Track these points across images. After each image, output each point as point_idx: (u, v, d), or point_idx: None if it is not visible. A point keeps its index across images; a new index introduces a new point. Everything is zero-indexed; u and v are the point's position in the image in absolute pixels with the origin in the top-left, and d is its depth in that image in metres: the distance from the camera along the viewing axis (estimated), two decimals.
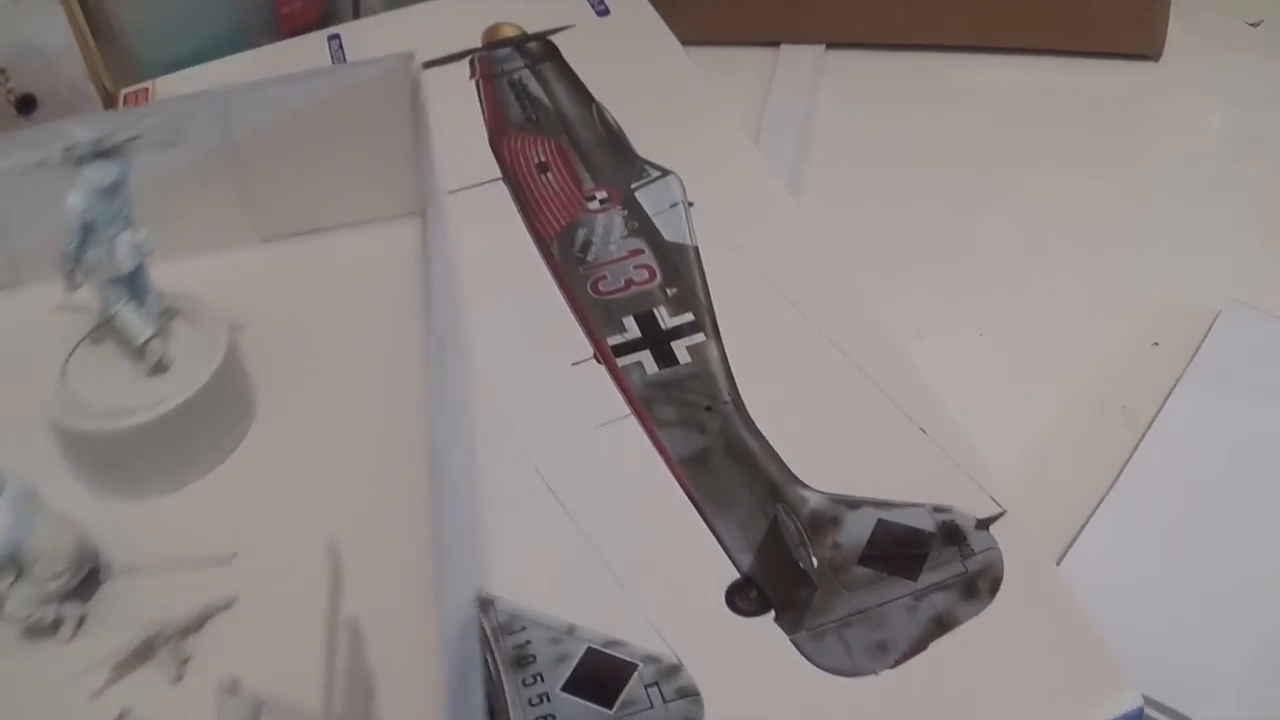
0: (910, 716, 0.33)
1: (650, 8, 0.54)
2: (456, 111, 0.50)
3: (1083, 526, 0.45)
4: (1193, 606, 0.43)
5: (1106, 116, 0.62)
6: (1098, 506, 0.46)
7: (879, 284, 0.52)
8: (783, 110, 0.60)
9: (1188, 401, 0.48)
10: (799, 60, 0.64)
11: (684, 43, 0.55)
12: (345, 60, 0.53)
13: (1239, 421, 0.47)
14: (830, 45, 0.66)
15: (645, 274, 0.44)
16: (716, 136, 0.48)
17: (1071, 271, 0.55)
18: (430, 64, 0.53)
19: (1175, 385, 0.49)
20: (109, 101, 0.56)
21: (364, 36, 0.55)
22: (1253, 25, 0.66)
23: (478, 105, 0.51)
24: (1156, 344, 0.52)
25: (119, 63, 0.57)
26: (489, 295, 0.44)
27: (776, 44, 0.65)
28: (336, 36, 0.55)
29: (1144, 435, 0.47)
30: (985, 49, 0.65)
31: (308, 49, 0.55)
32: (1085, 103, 0.63)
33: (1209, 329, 0.50)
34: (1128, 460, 0.47)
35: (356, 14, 0.61)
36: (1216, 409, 0.48)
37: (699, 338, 0.42)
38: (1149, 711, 0.41)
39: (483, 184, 0.47)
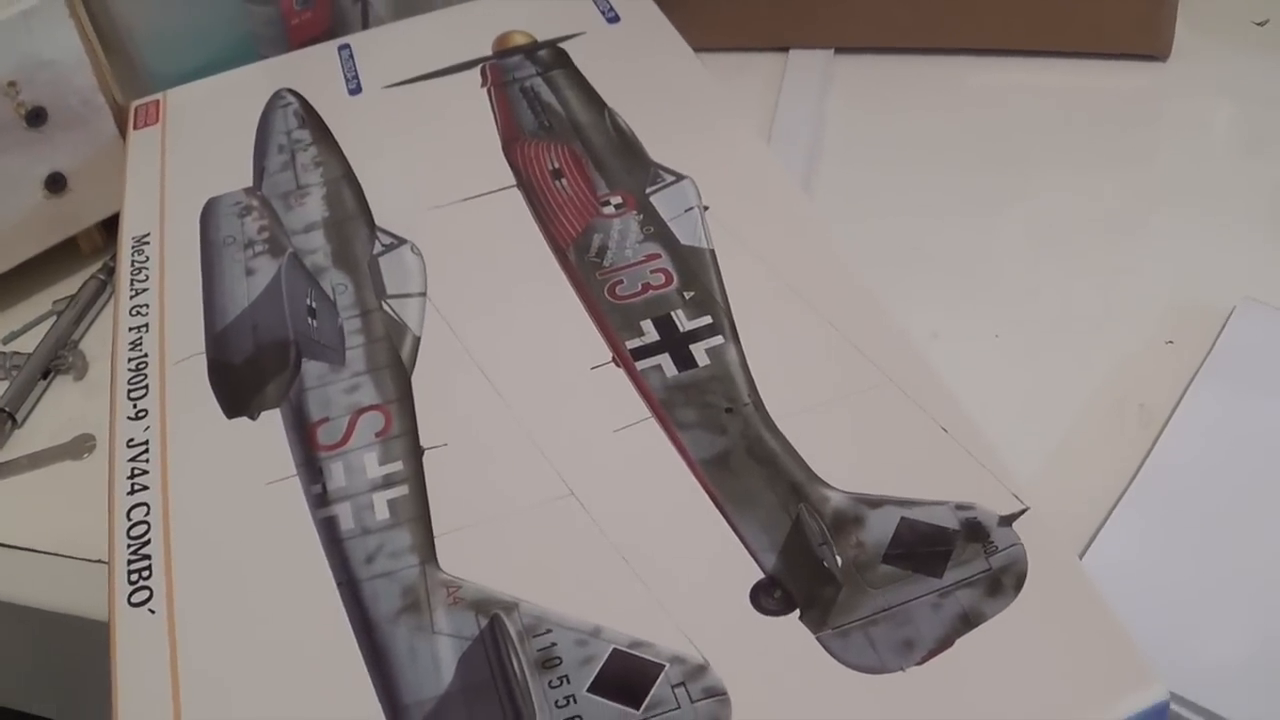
0: (936, 713, 0.33)
1: (660, 14, 0.54)
2: (469, 120, 0.50)
3: (1102, 524, 0.45)
4: (1214, 601, 0.43)
5: (1116, 117, 0.63)
6: (1116, 504, 0.46)
7: (893, 286, 0.52)
8: (793, 115, 0.60)
9: (1204, 397, 0.48)
10: (808, 65, 0.64)
11: (695, 49, 0.56)
12: (356, 71, 0.54)
13: (1255, 416, 0.47)
14: (839, 50, 0.66)
15: (662, 278, 0.44)
16: (730, 140, 0.48)
17: (1085, 271, 0.55)
18: (441, 73, 0.53)
19: (1191, 382, 0.49)
20: (119, 114, 0.56)
21: (374, 46, 0.55)
22: (1259, 25, 0.67)
23: (490, 113, 0.51)
24: (1171, 342, 0.52)
25: (129, 75, 0.57)
26: (506, 302, 0.44)
27: (785, 49, 0.66)
28: (347, 46, 0.55)
29: (1161, 432, 0.48)
30: (994, 51, 0.65)
31: (319, 60, 0.55)
32: (1094, 103, 0.63)
33: (1223, 325, 0.50)
34: (1145, 457, 0.47)
35: (366, 24, 0.61)
36: (1232, 404, 0.48)
37: (717, 340, 0.42)
38: (1174, 707, 0.41)
39: (497, 191, 0.47)
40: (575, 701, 0.33)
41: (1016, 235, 0.57)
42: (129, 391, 0.42)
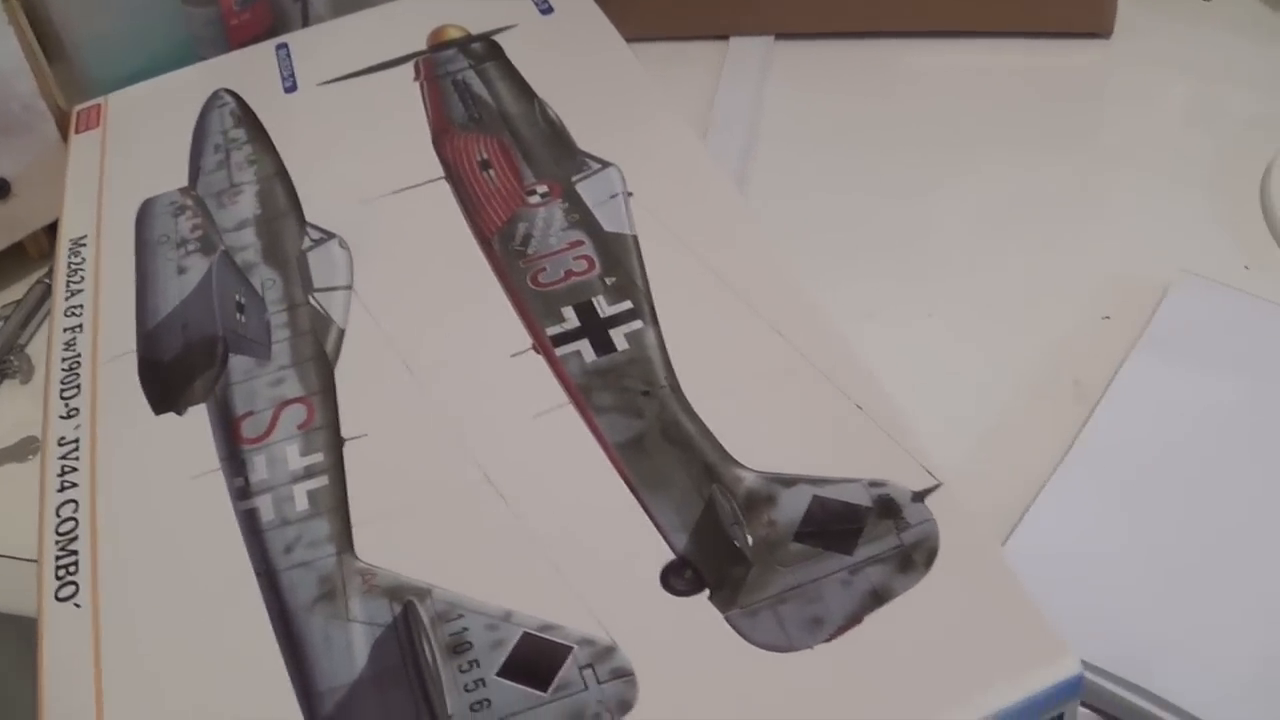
0: (845, 690, 0.33)
1: (594, 5, 0.55)
2: (401, 114, 0.51)
3: (1033, 500, 0.45)
4: (1145, 577, 0.43)
5: (1058, 96, 0.63)
6: (1048, 480, 0.46)
7: (830, 269, 0.52)
8: (732, 101, 0.60)
9: (1139, 372, 0.48)
10: (748, 52, 0.64)
11: (634, 39, 0.56)
12: (293, 69, 0.54)
13: (1190, 390, 0.47)
14: (779, 36, 0.66)
15: (584, 264, 0.44)
16: (658, 128, 0.48)
17: (1024, 250, 0.55)
18: (375, 68, 0.53)
19: (1126, 357, 0.49)
20: (62, 119, 0.57)
21: (312, 44, 0.55)
22: (1205, 1, 0.67)
23: (422, 107, 0.51)
24: (1107, 317, 0.52)
25: (71, 81, 0.58)
26: (429, 293, 0.44)
27: (727, 37, 0.66)
28: (284, 46, 0.55)
29: (1094, 408, 0.48)
30: (936, 34, 0.65)
31: (257, 59, 0.55)
32: (1037, 83, 0.63)
33: (1160, 300, 0.50)
34: (1078, 433, 0.47)
35: (306, 24, 0.61)
36: (1168, 379, 0.48)
37: (637, 324, 0.42)
38: (1102, 682, 0.41)
39: (425, 184, 0.48)
40: (485, 685, 0.33)
41: (955, 215, 0.57)
42: (61, 391, 0.43)
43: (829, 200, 0.59)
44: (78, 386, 0.43)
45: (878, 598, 0.34)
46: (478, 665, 0.34)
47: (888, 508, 0.36)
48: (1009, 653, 0.33)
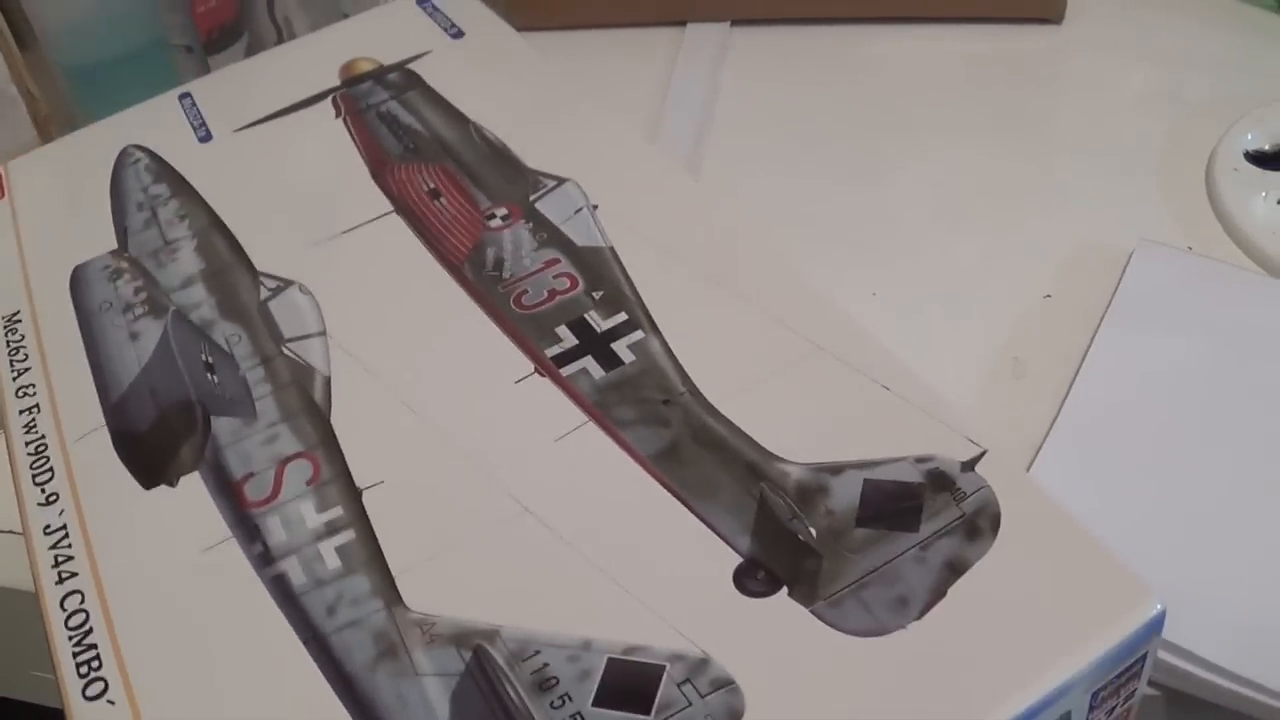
0: (948, 662, 0.33)
1: (504, 23, 0.53)
2: (329, 152, 0.49)
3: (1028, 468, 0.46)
4: (1147, 542, 0.43)
5: (1010, 82, 0.63)
6: (1036, 455, 0.46)
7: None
8: (686, 88, 0.61)
9: (1113, 339, 0.49)
10: (703, 38, 0.64)
11: (592, 26, 0.55)
12: (202, 118, 0.51)
13: (1164, 355, 0.48)
14: (736, 22, 0.66)
15: (567, 282, 0.43)
16: (601, 135, 0.48)
17: (971, 233, 0.56)
18: (290, 109, 0.51)
19: (1098, 328, 0.50)
20: (33, 107, 0.54)
21: (216, 91, 0.53)
22: None
23: (350, 143, 0.49)
24: (1049, 296, 0.53)
25: (42, 69, 0.56)
26: (412, 328, 0.42)
27: (683, 23, 0.66)
28: (188, 95, 0.52)
29: (1074, 378, 0.48)
30: (889, 20, 0.66)
31: (160, 112, 0.52)
32: (989, 69, 0.64)
33: (1125, 266, 0.51)
34: (1061, 406, 0.48)
35: (271, 11, 0.61)
36: (1140, 343, 0.49)
37: (638, 335, 0.41)
38: None
39: (375, 219, 0.46)
40: (583, 718, 0.32)
41: (905, 200, 0.58)
42: (34, 477, 0.40)
43: (781, 185, 0.59)
44: (50, 470, 0.40)
45: (954, 569, 0.34)
46: (570, 700, 0.33)
47: (940, 481, 0.36)
48: (1094, 601, 0.34)
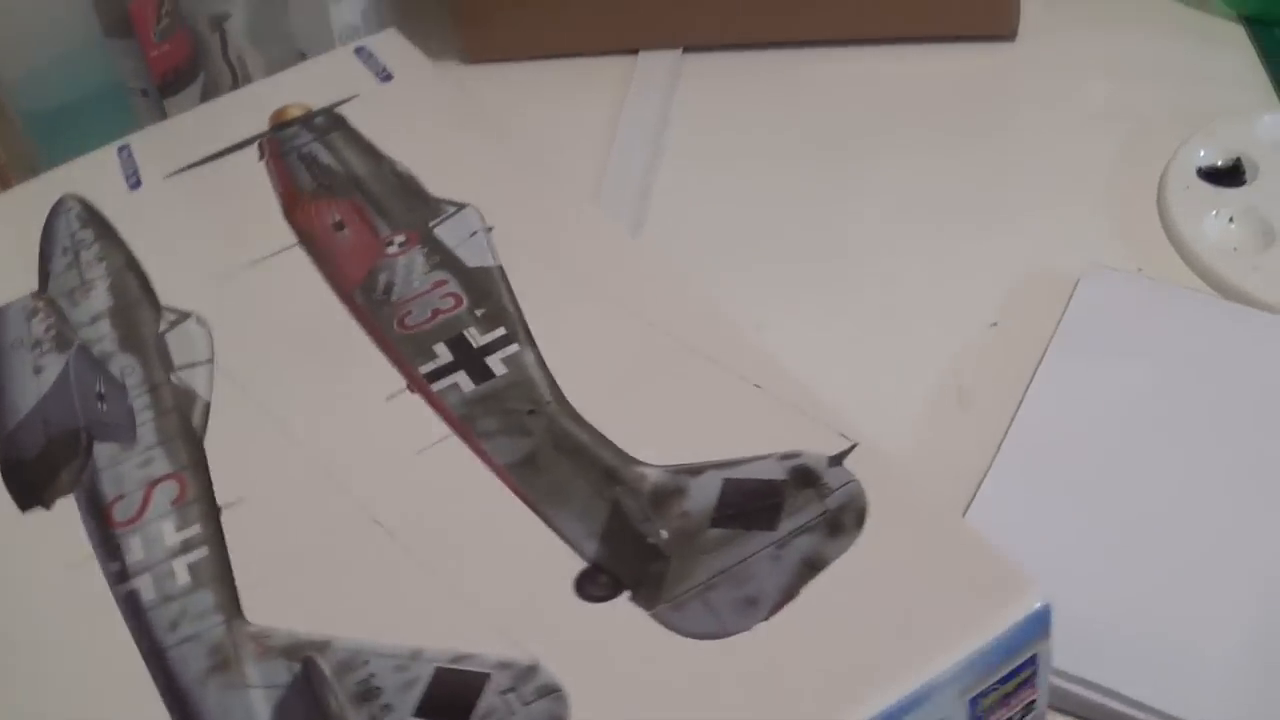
0: (798, 663, 0.31)
1: (431, 66, 0.53)
2: (248, 193, 0.49)
3: (971, 500, 0.44)
4: (1089, 571, 0.42)
5: (963, 100, 0.62)
6: (979, 485, 0.45)
7: (727, 279, 0.51)
8: (637, 115, 0.61)
9: (1058, 367, 0.47)
10: (655, 66, 0.64)
11: (544, 56, 0.55)
12: (136, 167, 0.52)
13: (1110, 380, 0.47)
14: (688, 49, 0.66)
15: (452, 301, 0.42)
16: (509, 164, 0.47)
17: (926, 257, 0.54)
18: (218, 154, 0.51)
19: (1044, 354, 0.48)
20: None
21: (153, 142, 0.53)
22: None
23: (269, 183, 0.49)
24: (995, 324, 0.51)
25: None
26: (296, 353, 0.42)
27: (635, 51, 0.66)
28: (126, 147, 0.53)
29: (1020, 405, 0.47)
30: (842, 42, 0.65)
31: (99, 164, 0.52)
32: (940, 88, 0.63)
33: (1071, 293, 0.50)
34: (1005, 433, 0.46)
35: (225, 52, 0.61)
36: (1086, 371, 0.47)
37: (513, 348, 0.40)
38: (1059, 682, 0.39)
39: (279, 253, 0.46)
40: None
41: (857, 223, 0.57)
42: None
43: (732, 211, 0.58)
44: None
45: (812, 566, 0.33)
46: (391, 710, 0.31)
47: (805, 477, 0.35)
48: (968, 596, 0.32)
